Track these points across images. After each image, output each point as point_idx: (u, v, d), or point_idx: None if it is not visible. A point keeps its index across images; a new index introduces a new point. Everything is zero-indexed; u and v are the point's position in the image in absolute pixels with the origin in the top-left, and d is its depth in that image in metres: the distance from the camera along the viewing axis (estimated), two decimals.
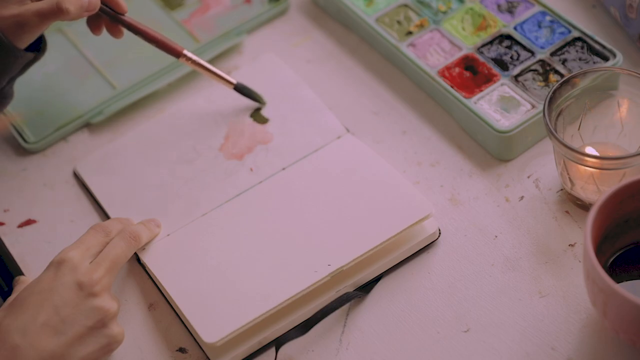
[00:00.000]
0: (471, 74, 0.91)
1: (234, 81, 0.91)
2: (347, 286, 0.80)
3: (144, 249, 0.84)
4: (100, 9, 0.86)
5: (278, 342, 0.78)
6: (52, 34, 1.02)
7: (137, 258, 0.85)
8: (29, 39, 0.84)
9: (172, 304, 0.82)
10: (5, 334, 0.73)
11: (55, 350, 0.73)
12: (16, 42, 0.83)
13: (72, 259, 0.77)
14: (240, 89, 0.92)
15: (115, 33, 0.89)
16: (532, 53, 0.91)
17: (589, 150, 0.83)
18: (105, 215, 0.89)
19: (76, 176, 0.93)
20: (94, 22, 0.89)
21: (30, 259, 0.87)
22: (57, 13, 0.82)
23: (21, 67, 0.86)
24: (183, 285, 0.81)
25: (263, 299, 0.79)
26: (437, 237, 0.84)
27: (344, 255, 0.80)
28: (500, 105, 0.88)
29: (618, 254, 0.78)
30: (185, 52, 0.89)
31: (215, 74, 0.91)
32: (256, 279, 0.81)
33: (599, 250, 0.72)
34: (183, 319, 0.81)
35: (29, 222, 0.90)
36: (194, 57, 0.90)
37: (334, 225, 0.83)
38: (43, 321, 0.74)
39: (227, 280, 0.81)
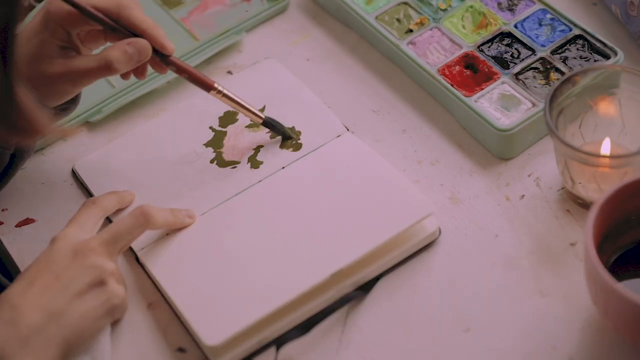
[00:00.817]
0: (471, 72, 0.91)
1: (263, 116, 0.88)
2: (347, 285, 0.80)
3: (142, 248, 0.84)
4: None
5: (278, 342, 0.78)
6: None
7: (135, 257, 0.85)
8: (72, 94, 0.85)
9: (171, 304, 0.82)
10: (5, 296, 0.75)
11: (54, 307, 0.74)
12: (57, 97, 0.83)
13: (65, 234, 0.79)
14: (268, 124, 0.89)
15: (160, 70, 0.87)
16: (533, 51, 0.91)
17: (606, 142, 0.82)
18: None
19: (75, 175, 0.92)
20: (139, 69, 0.86)
21: (29, 258, 0.86)
22: (106, 72, 0.81)
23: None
24: (182, 286, 0.81)
25: (264, 300, 0.78)
26: (437, 236, 0.83)
27: (344, 256, 0.80)
28: (501, 103, 0.88)
29: (619, 253, 0.77)
30: (217, 85, 0.86)
31: (246, 108, 0.88)
32: (257, 280, 0.80)
33: (600, 249, 0.72)
34: (182, 319, 0.81)
35: (27, 222, 0.90)
36: (226, 91, 0.87)
37: (334, 225, 0.83)
38: (42, 284, 0.75)
39: (226, 281, 0.81)
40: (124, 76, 0.87)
